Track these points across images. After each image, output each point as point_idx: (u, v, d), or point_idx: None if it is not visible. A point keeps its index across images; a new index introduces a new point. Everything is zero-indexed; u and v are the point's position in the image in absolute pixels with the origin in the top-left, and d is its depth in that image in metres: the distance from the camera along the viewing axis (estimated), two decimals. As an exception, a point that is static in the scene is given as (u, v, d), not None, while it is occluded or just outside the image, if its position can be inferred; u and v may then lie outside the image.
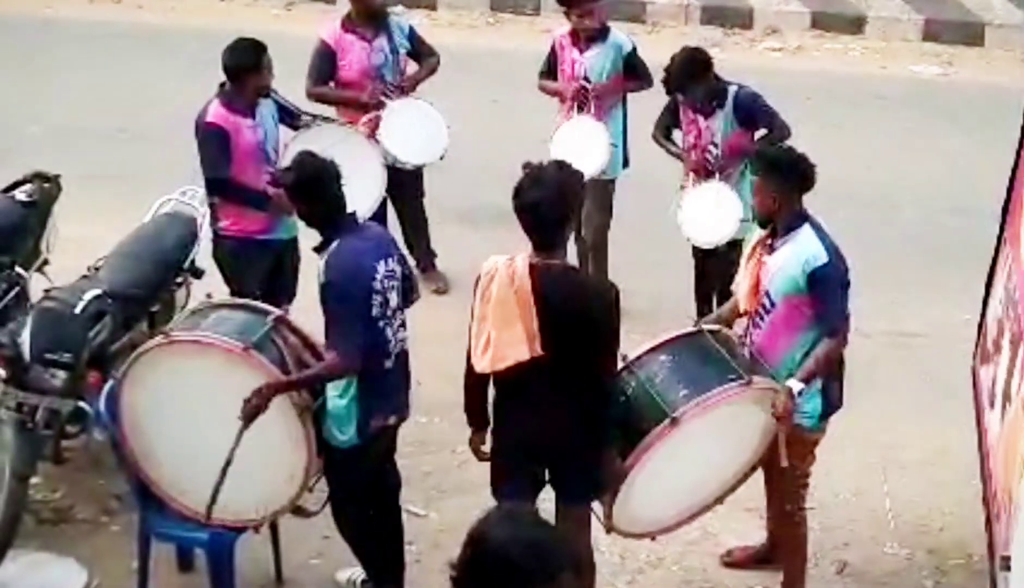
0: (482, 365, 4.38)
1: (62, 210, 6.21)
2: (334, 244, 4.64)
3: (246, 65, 5.85)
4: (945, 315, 6.78)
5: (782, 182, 4.68)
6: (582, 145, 6.67)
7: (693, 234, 6.41)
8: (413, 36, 7.10)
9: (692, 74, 6.16)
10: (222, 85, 5.92)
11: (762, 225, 4.79)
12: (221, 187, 5.91)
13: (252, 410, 4.56)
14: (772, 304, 4.72)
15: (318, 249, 4.70)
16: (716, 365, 4.59)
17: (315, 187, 4.69)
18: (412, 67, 7.12)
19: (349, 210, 4.75)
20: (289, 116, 6.18)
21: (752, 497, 5.09)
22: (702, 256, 6.53)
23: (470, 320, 4.42)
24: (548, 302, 4.28)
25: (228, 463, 4.61)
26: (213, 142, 5.83)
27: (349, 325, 4.59)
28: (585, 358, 4.33)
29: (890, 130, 9.39)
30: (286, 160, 5.89)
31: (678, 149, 6.49)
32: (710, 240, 6.33)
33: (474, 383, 4.55)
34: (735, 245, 6.16)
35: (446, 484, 5.78)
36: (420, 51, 7.13)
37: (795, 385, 4.54)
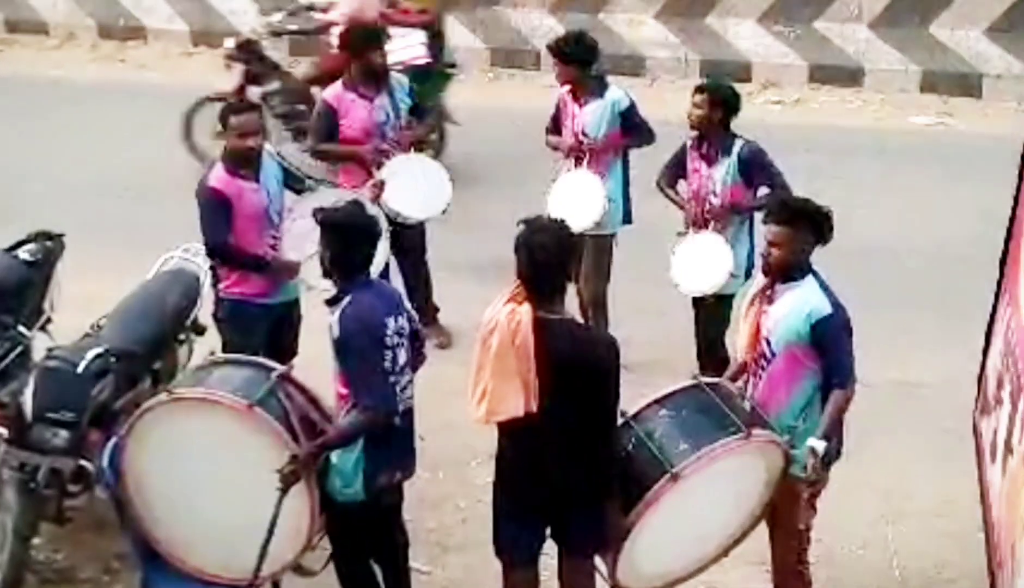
0: (477, 416, 4.38)
1: (65, 268, 6.23)
2: (347, 299, 4.66)
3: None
4: (949, 364, 6.77)
5: (810, 233, 4.71)
6: (578, 198, 6.72)
7: (680, 280, 6.43)
8: (414, 93, 7.17)
9: (717, 121, 6.21)
10: (225, 148, 5.92)
11: (773, 276, 4.77)
12: (221, 253, 5.89)
13: (290, 477, 4.56)
14: (772, 354, 4.73)
15: (330, 302, 4.71)
16: (715, 419, 4.59)
17: (354, 236, 4.72)
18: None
19: None
20: (293, 179, 6.16)
21: (757, 550, 5.06)
22: (695, 306, 6.54)
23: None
24: (553, 356, 4.29)
25: (271, 531, 4.60)
26: (214, 208, 5.80)
27: (373, 375, 4.60)
28: (587, 412, 4.34)
29: (889, 181, 9.43)
30: (288, 223, 5.95)
31: (680, 198, 6.52)
32: (696, 288, 6.36)
33: None
34: (723, 300, 6.20)
35: (450, 541, 5.75)
36: (419, 109, 7.19)
37: (817, 445, 4.52)
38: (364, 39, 7.07)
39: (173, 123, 9.27)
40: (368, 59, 6.96)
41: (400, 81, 7.17)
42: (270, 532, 4.61)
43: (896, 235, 8.63)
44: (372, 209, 6.51)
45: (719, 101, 6.24)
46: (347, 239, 4.72)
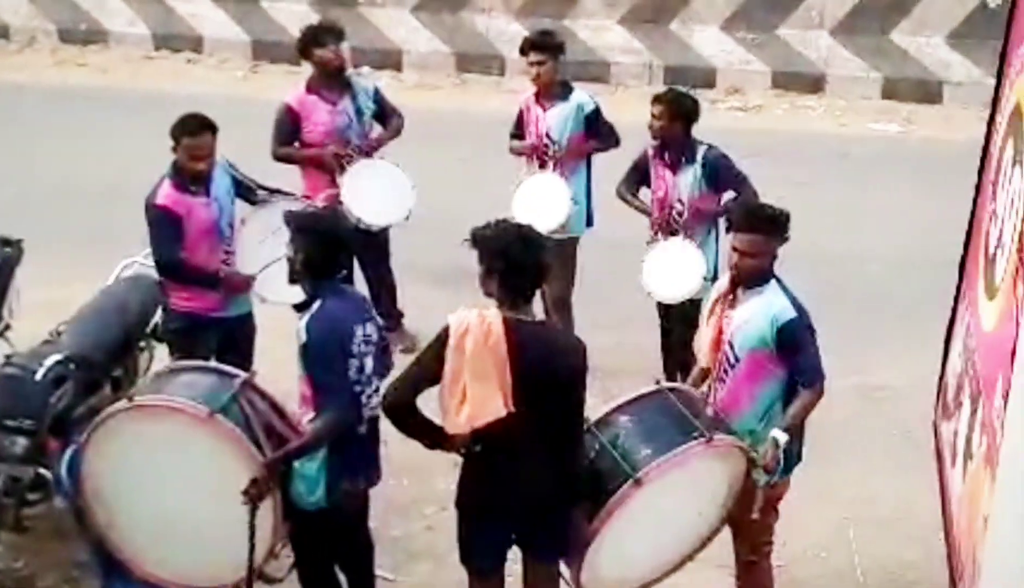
0: (459, 422, 4.32)
1: (24, 274, 6.17)
2: (316, 304, 4.63)
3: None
4: (912, 369, 6.82)
5: (776, 238, 4.74)
6: (543, 201, 6.74)
7: (655, 289, 6.44)
8: (379, 98, 7.15)
9: (678, 128, 6.23)
10: (174, 163, 5.79)
11: (741, 282, 4.78)
12: (173, 270, 5.80)
13: (255, 500, 4.53)
14: (736, 359, 4.74)
15: (299, 307, 4.68)
16: (678, 423, 4.60)
17: (327, 241, 4.68)
18: (378, 129, 7.16)
19: None
20: (245, 190, 6.05)
21: (721, 554, 5.07)
22: (665, 312, 6.56)
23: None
24: (522, 359, 4.28)
25: (252, 550, 4.56)
26: (163, 225, 5.70)
27: (337, 382, 4.58)
28: (555, 415, 4.34)
29: (851, 187, 9.50)
30: (241, 236, 5.87)
31: (643, 204, 6.53)
32: (672, 295, 6.38)
33: (403, 416, 4.42)
34: (697, 304, 6.22)
35: (415, 547, 5.73)
36: (386, 113, 7.18)
37: (780, 436, 4.55)
38: (310, 39, 7.01)
39: (134, 127, 9.20)
40: (317, 58, 6.93)
41: (365, 86, 7.15)
42: (251, 550, 4.57)
43: (857, 241, 8.69)
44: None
45: (676, 112, 6.26)
46: (319, 244, 4.69)
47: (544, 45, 6.89)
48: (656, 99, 6.38)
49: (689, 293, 6.26)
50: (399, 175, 7.00)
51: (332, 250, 4.71)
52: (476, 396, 4.28)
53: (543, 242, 4.49)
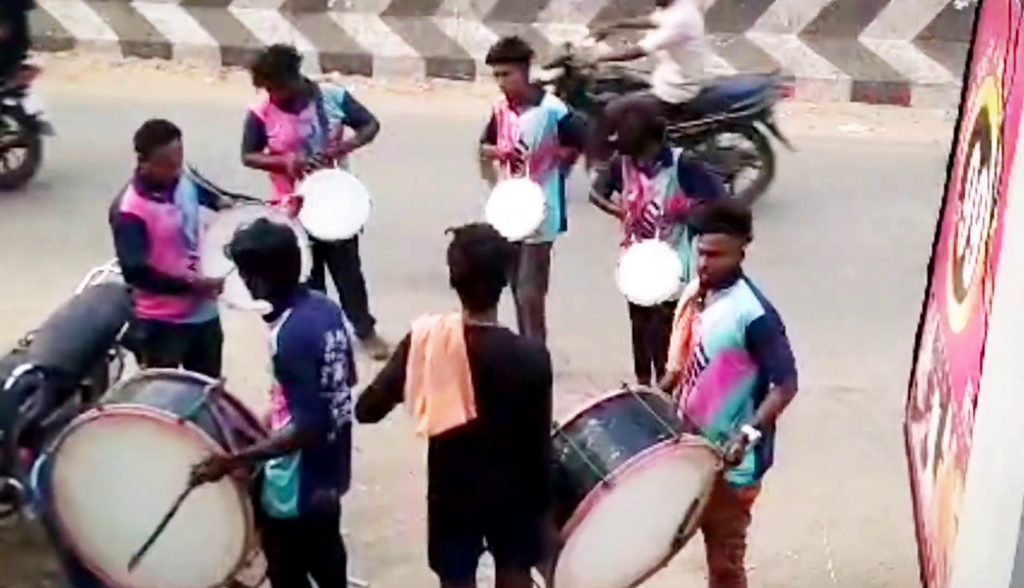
0: (420, 428, 4.35)
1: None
2: (286, 314, 4.60)
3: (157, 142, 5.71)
4: (883, 370, 6.85)
5: (741, 236, 4.76)
6: (517, 206, 6.73)
7: (631, 291, 6.45)
8: (348, 104, 7.11)
9: (646, 140, 6.25)
10: (138, 170, 5.77)
11: (710, 284, 4.79)
12: (139, 276, 5.79)
13: (200, 478, 4.50)
14: (706, 360, 4.75)
15: (268, 318, 4.65)
16: (646, 426, 4.60)
17: (272, 258, 4.61)
18: (349, 134, 7.14)
19: None
20: (209, 197, 6.05)
21: (695, 557, 5.08)
22: (639, 315, 6.57)
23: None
24: (483, 365, 4.28)
25: (164, 523, 4.53)
26: (129, 232, 5.69)
27: (308, 392, 4.56)
28: (520, 421, 4.33)
29: (820, 189, 9.55)
30: (206, 241, 5.85)
31: (616, 207, 6.55)
32: (648, 297, 6.38)
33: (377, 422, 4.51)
34: (673, 305, 6.22)
35: (388, 553, 5.72)
36: (357, 118, 7.14)
37: (751, 432, 4.55)
38: (265, 72, 6.87)
39: (104, 133, 9.14)
40: (276, 88, 6.84)
41: (334, 93, 7.12)
42: (161, 526, 4.54)
43: (826, 242, 8.74)
44: (295, 225, 6.34)
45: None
46: (263, 265, 4.61)
47: (506, 57, 6.89)
48: (617, 142, 6.38)
49: (664, 294, 6.27)
50: (357, 188, 6.95)
51: (278, 266, 4.62)
52: (436, 403, 4.29)
53: (504, 248, 4.46)
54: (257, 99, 6.99)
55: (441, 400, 4.28)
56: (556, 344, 6.28)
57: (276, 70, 6.85)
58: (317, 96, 6.98)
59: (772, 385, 4.69)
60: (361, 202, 6.93)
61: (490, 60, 6.96)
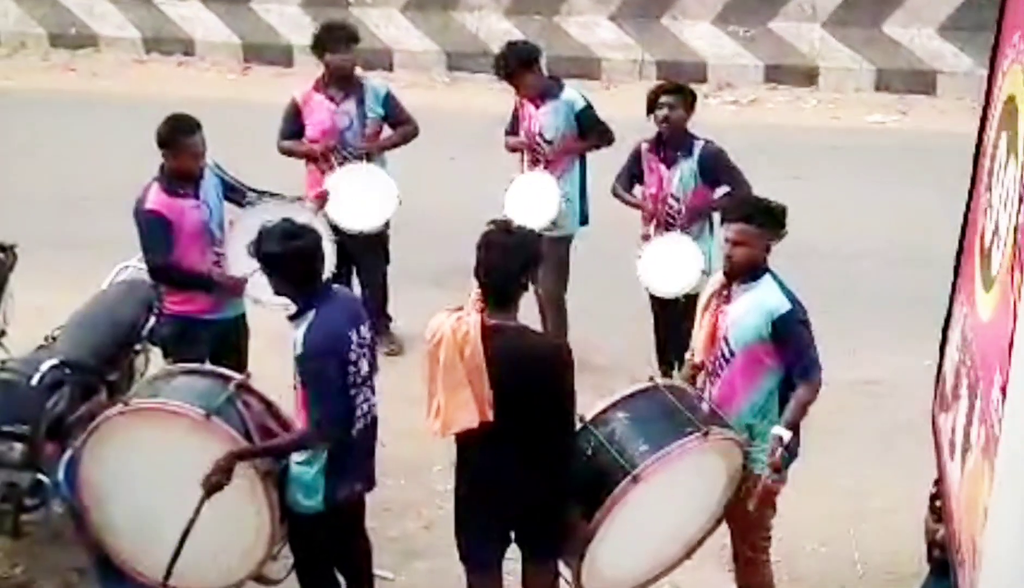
0: (434, 429, 4.37)
1: (18, 279, 6.15)
2: (311, 314, 4.59)
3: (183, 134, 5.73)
4: (907, 362, 6.80)
5: (769, 229, 4.74)
6: (534, 198, 6.72)
7: (652, 283, 6.42)
8: (389, 102, 7.12)
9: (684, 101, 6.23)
10: (162, 167, 5.77)
11: (733, 275, 4.78)
12: (165, 274, 5.79)
13: (214, 482, 4.51)
14: (731, 354, 4.74)
15: (293, 318, 4.65)
16: (673, 419, 4.59)
17: (294, 259, 4.60)
18: (387, 133, 7.13)
19: None
20: (234, 192, 6.03)
21: (721, 551, 5.07)
22: (660, 308, 6.54)
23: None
24: (501, 367, 4.28)
25: (187, 533, 4.55)
26: (153, 229, 5.69)
27: (328, 397, 4.55)
28: (545, 416, 4.33)
29: (845, 180, 9.50)
30: (231, 238, 5.84)
31: (637, 200, 6.52)
32: (669, 290, 6.36)
33: None
34: (693, 299, 6.20)
35: (413, 547, 5.73)
36: (397, 118, 7.16)
37: (784, 433, 4.54)
38: (324, 41, 7.03)
39: (127, 131, 9.18)
40: (328, 61, 6.94)
41: (376, 89, 7.13)
42: (186, 532, 4.55)
43: (851, 234, 8.68)
44: (320, 221, 6.34)
45: (690, 102, 6.27)
46: (286, 264, 4.60)
47: (506, 74, 6.90)
48: (667, 90, 6.36)
49: (687, 287, 6.24)
50: (387, 183, 6.97)
51: (302, 267, 4.62)
52: (448, 407, 4.30)
53: (536, 249, 4.45)
54: (300, 86, 7.02)
55: (454, 403, 4.30)
56: (574, 337, 6.27)
57: (332, 37, 6.98)
58: (359, 89, 7.00)
59: (797, 380, 4.67)
60: (390, 197, 6.95)
61: (499, 76, 6.98)
